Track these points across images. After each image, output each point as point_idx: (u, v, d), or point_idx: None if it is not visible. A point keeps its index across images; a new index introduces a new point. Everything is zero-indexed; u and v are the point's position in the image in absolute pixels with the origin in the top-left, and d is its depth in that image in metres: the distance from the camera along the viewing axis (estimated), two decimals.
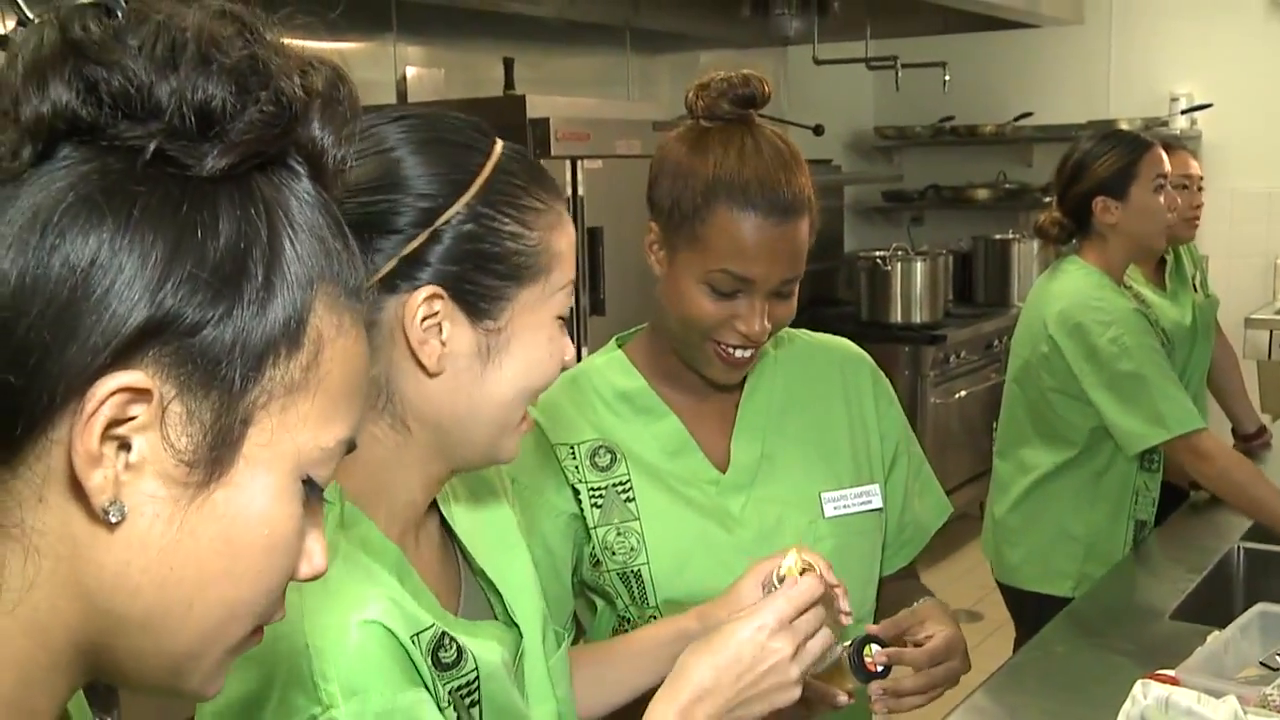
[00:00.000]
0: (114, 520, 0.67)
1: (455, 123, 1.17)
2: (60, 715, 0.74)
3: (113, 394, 0.65)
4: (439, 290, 1.11)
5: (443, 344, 1.13)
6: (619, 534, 1.65)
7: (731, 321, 1.58)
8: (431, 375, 1.14)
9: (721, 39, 6.12)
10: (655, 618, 1.65)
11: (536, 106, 3.78)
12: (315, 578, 0.78)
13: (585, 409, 1.70)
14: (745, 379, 1.75)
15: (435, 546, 1.28)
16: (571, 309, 1.21)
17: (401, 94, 4.43)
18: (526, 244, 1.14)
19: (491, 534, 1.34)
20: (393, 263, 1.11)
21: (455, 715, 1.14)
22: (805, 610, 1.27)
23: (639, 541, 1.65)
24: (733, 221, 1.54)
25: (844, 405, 1.80)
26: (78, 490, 0.67)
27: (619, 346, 1.78)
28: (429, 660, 1.12)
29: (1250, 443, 3.61)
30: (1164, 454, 2.85)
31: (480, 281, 1.12)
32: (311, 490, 0.75)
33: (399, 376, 1.15)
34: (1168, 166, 2.85)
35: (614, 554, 1.65)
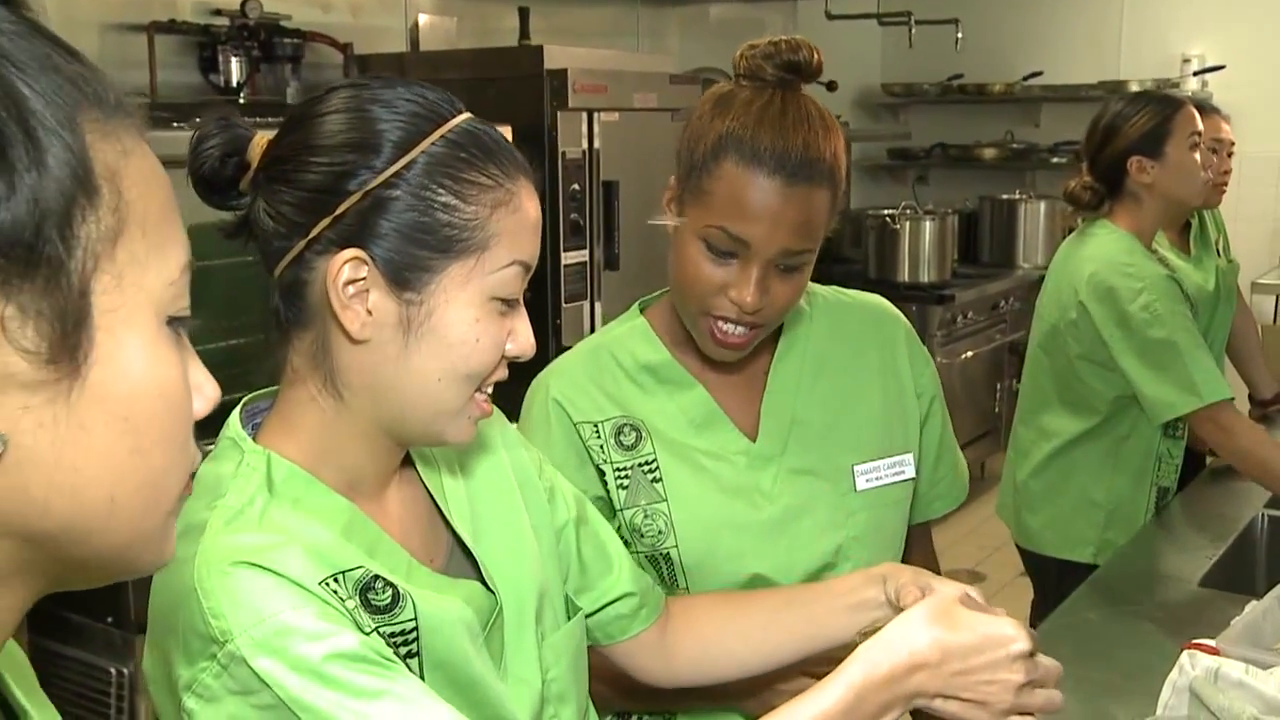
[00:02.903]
0: None
1: (416, 92, 1.15)
2: None
3: None
4: (362, 254, 1.10)
5: (368, 311, 1.11)
6: (646, 516, 1.61)
7: (725, 289, 1.52)
8: (356, 342, 1.13)
9: None
10: None
11: (554, 57, 3.73)
12: (215, 405, 0.74)
13: (607, 383, 1.65)
14: (779, 339, 1.70)
15: (416, 506, 1.27)
16: (532, 291, 1.16)
17: (413, 42, 4.37)
18: (460, 217, 1.11)
19: (483, 500, 1.32)
20: (324, 222, 1.10)
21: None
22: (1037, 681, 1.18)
23: (667, 524, 1.61)
24: (737, 177, 1.48)
25: (879, 367, 1.75)
26: None
27: (641, 312, 1.73)
28: (359, 599, 1.11)
29: (1267, 408, 3.60)
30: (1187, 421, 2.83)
31: (406, 250, 1.10)
32: (178, 327, 0.70)
33: (332, 340, 1.14)
34: (1200, 125, 2.83)
35: (642, 536, 1.61)
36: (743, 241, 1.49)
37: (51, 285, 0.62)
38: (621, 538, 1.59)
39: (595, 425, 1.62)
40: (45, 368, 0.63)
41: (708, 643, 1.47)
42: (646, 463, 1.62)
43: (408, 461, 1.28)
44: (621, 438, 1.62)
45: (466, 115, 1.15)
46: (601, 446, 1.61)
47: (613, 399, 1.64)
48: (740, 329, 1.55)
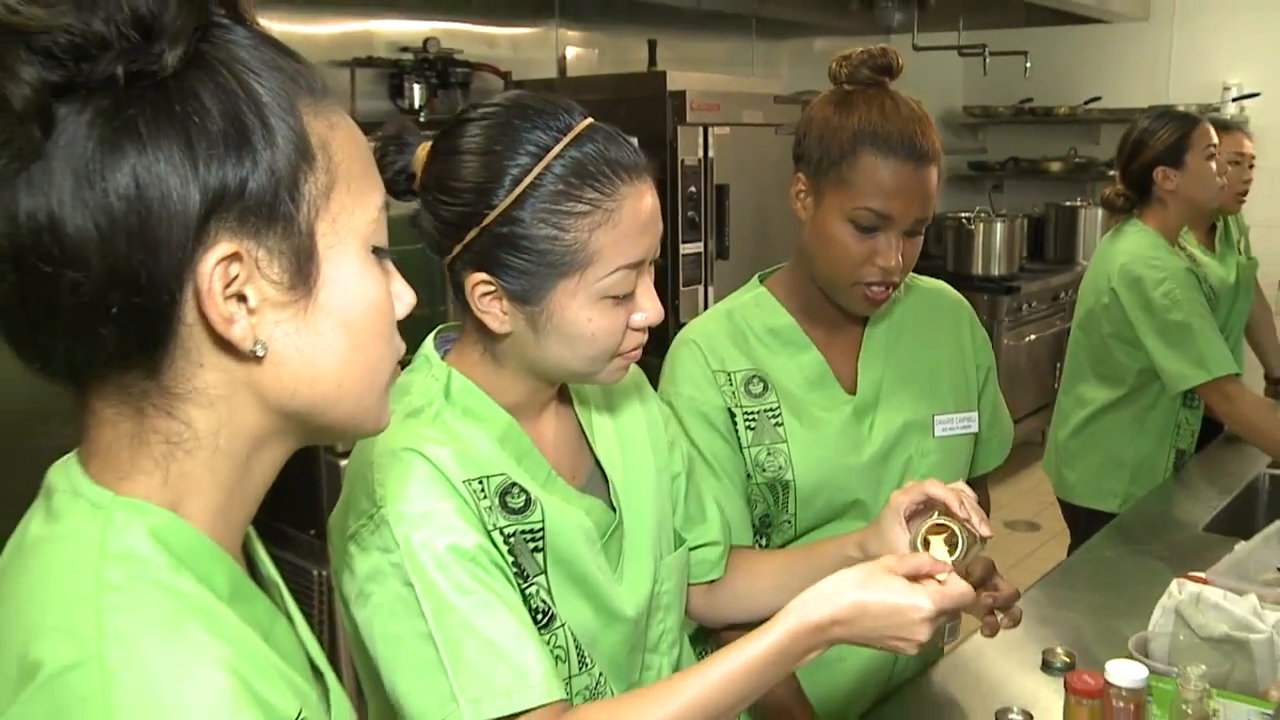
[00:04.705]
0: (261, 354, 0.73)
1: (531, 123, 1.14)
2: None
3: (214, 268, 0.69)
4: (488, 278, 1.15)
5: (504, 312, 1.17)
6: (769, 454, 1.64)
7: (872, 258, 1.57)
8: (500, 337, 1.19)
9: (833, 28, 6.03)
10: (789, 521, 1.67)
11: (675, 81, 3.77)
12: (411, 309, 0.84)
13: (739, 341, 1.69)
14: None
15: (569, 434, 1.32)
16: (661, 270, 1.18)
17: (561, 70, 4.46)
18: (560, 245, 1.12)
19: (623, 439, 1.36)
20: (457, 249, 1.16)
21: (512, 555, 1.17)
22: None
23: (786, 461, 1.64)
24: (876, 165, 1.54)
25: (947, 340, 1.79)
26: (224, 346, 0.72)
27: (761, 282, 1.77)
28: (497, 501, 1.17)
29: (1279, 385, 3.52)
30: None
31: (520, 276, 1.14)
32: (381, 253, 0.79)
33: (483, 326, 1.20)
34: (1215, 138, 2.78)
35: (764, 470, 1.65)
36: (886, 216, 1.55)
37: (288, 232, 0.72)
38: (745, 472, 1.65)
39: (729, 374, 1.66)
40: (288, 292, 0.73)
41: (738, 593, 1.51)
42: (771, 409, 1.66)
43: (567, 400, 1.33)
44: (750, 387, 1.66)
45: (572, 135, 1.14)
46: (733, 393, 1.65)
47: (744, 354, 1.68)
48: (885, 289, 1.62)
